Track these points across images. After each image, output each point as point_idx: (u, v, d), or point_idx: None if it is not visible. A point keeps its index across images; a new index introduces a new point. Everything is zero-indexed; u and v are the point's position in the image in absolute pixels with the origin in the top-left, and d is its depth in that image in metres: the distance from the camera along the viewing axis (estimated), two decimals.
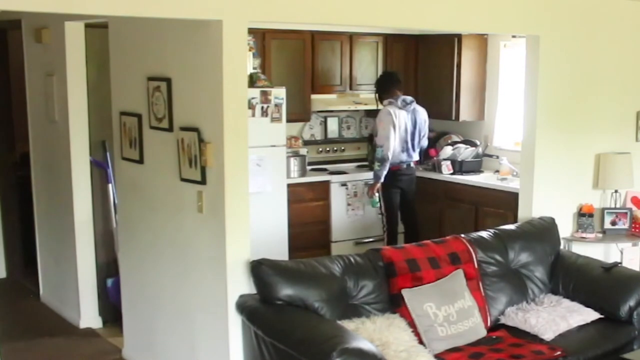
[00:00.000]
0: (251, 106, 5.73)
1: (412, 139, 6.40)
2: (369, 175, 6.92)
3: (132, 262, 4.82)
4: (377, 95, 6.60)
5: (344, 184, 6.81)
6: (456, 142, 7.13)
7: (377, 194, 6.36)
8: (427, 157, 7.25)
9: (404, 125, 6.29)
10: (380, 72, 7.14)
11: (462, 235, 4.55)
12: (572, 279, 4.62)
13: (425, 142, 6.65)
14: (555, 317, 4.23)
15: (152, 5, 3.47)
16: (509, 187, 6.17)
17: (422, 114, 6.47)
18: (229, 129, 3.74)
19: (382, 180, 6.25)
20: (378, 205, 6.41)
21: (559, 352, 3.90)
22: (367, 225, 6.90)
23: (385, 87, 6.48)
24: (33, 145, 6.10)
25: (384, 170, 6.22)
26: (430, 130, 7.56)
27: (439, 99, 7.19)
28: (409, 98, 6.40)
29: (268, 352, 3.65)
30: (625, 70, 5.46)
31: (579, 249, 5.14)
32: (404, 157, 6.35)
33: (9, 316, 5.85)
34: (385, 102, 6.35)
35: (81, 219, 5.53)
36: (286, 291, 3.75)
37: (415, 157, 6.51)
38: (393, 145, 6.20)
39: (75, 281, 5.59)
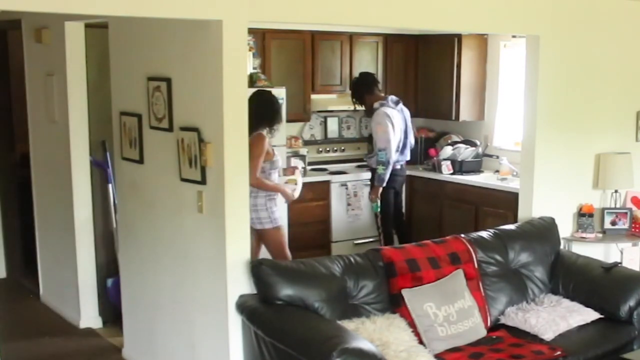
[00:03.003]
0: None
1: (405, 138, 6.40)
2: (369, 175, 6.93)
3: (132, 262, 4.82)
4: (356, 98, 6.49)
5: (344, 184, 6.82)
6: (456, 142, 7.13)
7: (377, 201, 6.33)
8: (427, 157, 7.26)
9: (399, 126, 6.27)
10: (379, 72, 7.14)
11: (462, 235, 4.55)
12: (572, 279, 4.62)
13: (412, 140, 6.62)
14: (555, 317, 4.23)
15: (152, 5, 3.47)
16: (509, 187, 6.17)
17: (407, 112, 6.47)
18: (229, 129, 3.74)
19: (385, 184, 6.23)
20: (379, 209, 6.37)
21: (559, 352, 3.90)
22: (367, 225, 6.90)
23: (368, 88, 6.42)
24: (33, 145, 6.10)
25: (388, 173, 6.19)
26: (430, 130, 7.60)
27: (439, 99, 7.20)
28: (395, 97, 6.40)
29: (268, 352, 3.65)
30: (625, 70, 5.46)
31: (579, 249, 5.14)
32: (399, 157, 6.34)
33: (9, 316, 5.85)
34: (377, 104, 6.27)
35: (81, 219, 5.53)
36: (286, 291, 3.75)
37: (408, 156, 6.51)
38: (394, 147, 6.19)
39: (75, 281, 5.59)
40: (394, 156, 6.23)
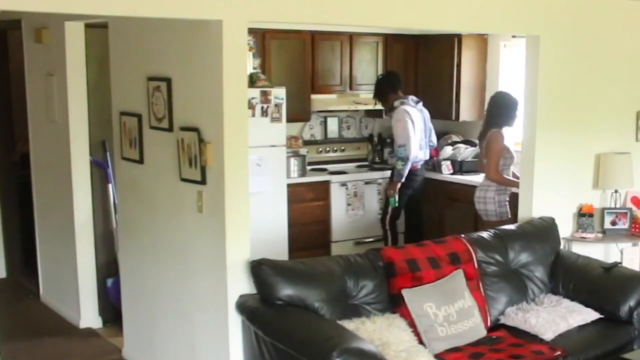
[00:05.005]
0: (251, 106, 5.73)
1: (425, 138, 6.40)
2: (369, 175, 6.94)
3: (132, 262, 4.82)
4: (379, 96, 6.52)
5: (344, 184, 6.81)
6: (456, 142, 7.14)
7: (396, 195, 6.30)
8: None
9: (419, 124, 6.29)
10: (380, 72, 7.14)
11: (462, 235, 4.55)
12: (572, 279, 4.62)
13: (434, 139, 6.64)
14: (555, 317, 4.23)
15: (152, 5, 3.47)
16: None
17: (426, 112, 6.48)
18: (229, 129, 3.74)
19: (403, 179, 6.22)
20: (397, 204, 6.36)
21: (559, 352, 3.91)
22: (367, 225, 6.90)
23: (393, 88, 6.41)
24: (33, 145, 6.10)
25: (406, 169, 6.19)
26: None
27: (439, 99, 7.19)
28: (415, 97, 6.42)
29: (268, 352, 3.65)
30: (625, 70, 5.46)
31: (579, 249, 5.14)
32: (421, 155, 6.35)
33: (9, 316, 5.86)
34: (397, 102, 6.29)
35: (81, 219, 5.53)
36: (286, 291, 3.75)
37: (427, 156, 6.51)
38: (414, 144, 6.19)
39: (75, 281, 5.59)
40: (415, 153, 6.21)
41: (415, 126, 6.23)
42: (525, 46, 5.06)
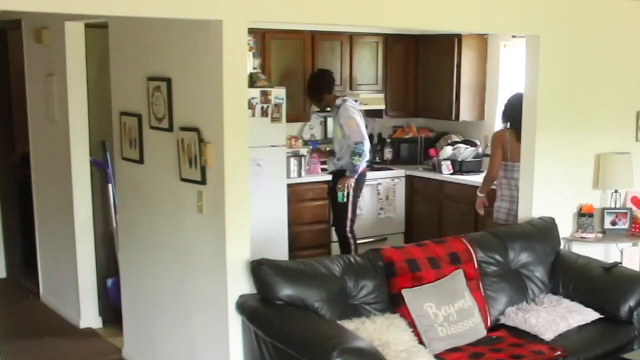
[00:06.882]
0: (251, 106, 5.74)
1: None
2: (369, 175, 6.89)
3: (132, 262, 4.82)
4: (313, 95, 6.35)
5: None
6: (456, 142, 7.14)
7: (345, 191, 6.10)
8: (427, 157, 7.26)
9: (363, 122, 6.19)
10: (379, 72, 7.14)
11: (462, 235, 4.55)
12: (572, 279, 4.62)
13: None
14: (555, 317, 4.23)
15: (152, 5, 3.47)
16: None
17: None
18: (229, 129, 3.74)
19: (356, 175, 6.10)
20: (344, 200, 6.14)
21: (559, 352, 3.91)
22: (367, 225, 6.90)
23: (328, 87, 6.29)
24: (33, 145, 6.10)
25: (362, 165, 6.07)
26: (430, 130, 7.61)
27: (439, 99, 7.20)
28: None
29: (268, 352, 3.65)
30: (625, 70, 5.46)
31: (579, 249, 5.14)
32: (370, 156, 6.27)
33: (9, 316, 5.85)
34: (339, 100, 6.16)
35: (81, 219, 5.53)
36: (286, 291, 3.75)
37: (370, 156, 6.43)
38: (367, 139, 6.08)
39: (75, 281, 5.59)
40: (368, 149, 6.10)
41: (362, 123, 6.13)
42: (525, 46, 5.06)
